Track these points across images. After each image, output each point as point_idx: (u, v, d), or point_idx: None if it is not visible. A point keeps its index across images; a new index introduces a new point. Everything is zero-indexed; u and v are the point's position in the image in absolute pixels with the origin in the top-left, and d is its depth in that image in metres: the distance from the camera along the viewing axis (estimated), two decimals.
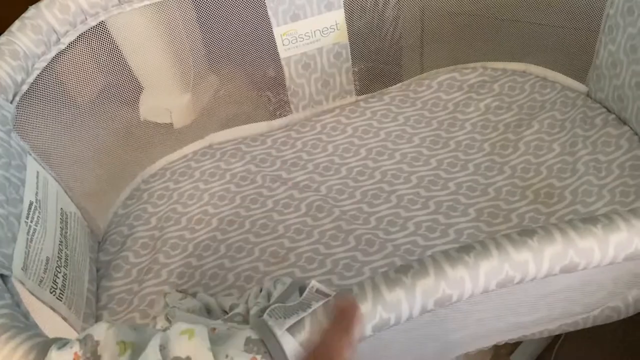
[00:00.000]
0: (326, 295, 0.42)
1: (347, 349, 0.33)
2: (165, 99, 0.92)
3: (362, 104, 0.89)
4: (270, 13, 0.77)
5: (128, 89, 0.81)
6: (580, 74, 0.84)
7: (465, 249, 0.43)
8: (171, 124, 0.91)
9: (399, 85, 0.91)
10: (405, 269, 0.43)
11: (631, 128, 0.76)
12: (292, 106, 0.88)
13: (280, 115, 0.89)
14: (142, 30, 0.79)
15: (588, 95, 0.83)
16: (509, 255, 0.42)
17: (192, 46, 0.86)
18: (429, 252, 0.68)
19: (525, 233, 0.43)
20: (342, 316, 0.35)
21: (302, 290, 0.61)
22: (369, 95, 0.90)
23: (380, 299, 0.41)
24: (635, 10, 0.68)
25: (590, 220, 0.43)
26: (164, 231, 0.77)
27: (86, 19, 0.70)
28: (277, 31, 0.79)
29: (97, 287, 0.71)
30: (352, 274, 0.68)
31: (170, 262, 0.73)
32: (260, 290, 0.62)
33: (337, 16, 0.80)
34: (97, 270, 0.73)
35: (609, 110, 0.80)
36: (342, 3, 0.79)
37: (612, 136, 0.76)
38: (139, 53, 0.80)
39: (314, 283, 0.44)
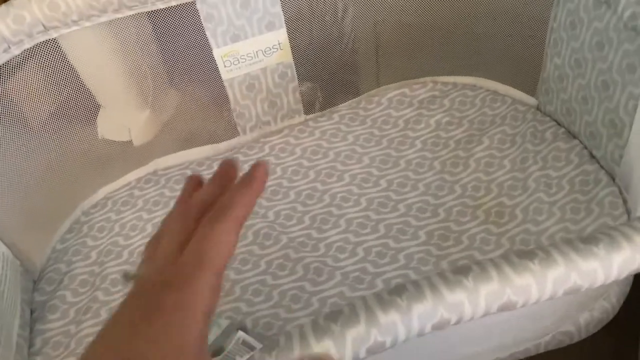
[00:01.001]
0: (252, 348, 0.40)
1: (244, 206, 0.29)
2: (123, 116, 0.88)
3: (311, 123, 0.86)
4: (208, 34, 0.74)
5: (82, 108, 0.77)
6: (530, 87, 0.83)
7: (397, 291, 0.40)
8: (111, 150, 0.87)
9: (348, 103, 0.88)
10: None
11: (581, 142, 0.75)
12: (239, 128, 0.85)
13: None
14: (96, 47, 0.75)
15: (538, 108, 0.82)
16: (444, 298, 0.40)
17: (150, 61, 0.83)
18: (378, 280, 0.66)
19: (460, 271, 0.41)
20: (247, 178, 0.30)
21: (243, 330, 0.58)
22: (319, 114, 0.88)
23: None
24: (577, 25, 0.67)
25: (527, 254, 0.41)
26: (104, 266, 0.73)
27: (35, 34, 0.65)
28: (217, 53, 0.76)
29: (30, 331, 0.67)
30: (300, 306, 0.65)
31: (110, 299, 0.69)
32: None
33: (279, 36, 0.77)
34: (32, 312, 0.69)
35: (558, 124, 0.79)
36: (283, 22, 0.76)
37: (562, 150, 0.75)
38: (94, 70, 0.77)
39: (240, 334, 0.41)
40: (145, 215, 0.78)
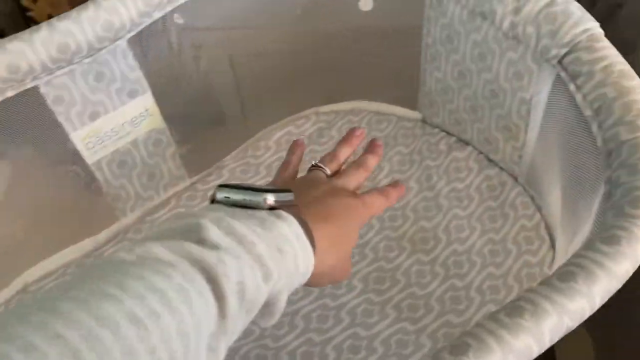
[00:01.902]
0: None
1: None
2: None
3: (199, 186, 0.77)
4: (61, 119, 0.62)
5: None
6: (410, 102, 0.82)
7: None
8: None
9: (234, 154, 0.81)
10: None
11: (475, 148, 0.76)
12: (117, 212, 0.73)
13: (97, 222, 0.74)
14: None
15: (424, 121, 0.82)
16: None
17: None
18: (328, 348, 0.60)
19: (458, 349, 0.37)
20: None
21: None
22: (205, 173, 0.79)
23: None
24: (455, 38, 0.67)
25: (515, 311, 0.38)
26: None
27: None
28: (76, 136, 0.64)
29: None
30: None
31: None
32: None
33: (145, 101, 0.67)
34: None
35: (448, 133, 0.79)
36: (147, 86, 0.67)
37: (460, 160, 0.76)
38: None
39: None
40: None
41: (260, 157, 0.80)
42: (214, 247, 0.34)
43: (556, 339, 0.39)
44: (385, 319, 0.62)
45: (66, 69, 0.59)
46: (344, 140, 0.56)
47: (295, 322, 0.63)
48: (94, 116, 0.64)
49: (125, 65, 0.63)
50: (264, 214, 0.38)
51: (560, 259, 0.59)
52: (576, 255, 0.41)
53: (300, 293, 0.65)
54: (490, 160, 0.74)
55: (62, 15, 0.56)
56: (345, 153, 0.54)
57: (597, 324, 0.48)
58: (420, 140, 0.79)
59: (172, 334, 0.29)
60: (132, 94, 0.66)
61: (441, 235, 0.69)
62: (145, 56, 0.66)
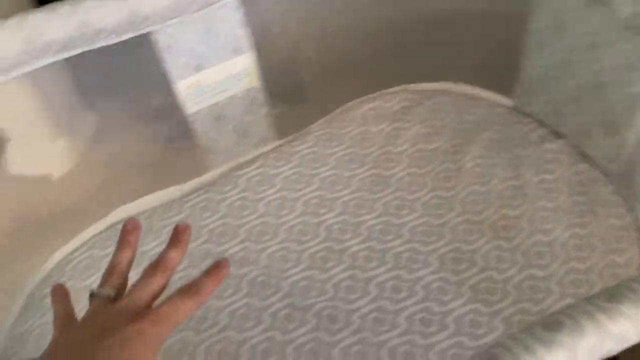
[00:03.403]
0: None
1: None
2: (36, 148, 0.77)
3: (285, 149, 0.79)
4: (169, 67, 0.65)
5: None
6: (505, 88, 0.81)
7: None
8: (62, 204, 0.75)
9: (321, 121, 0.82)
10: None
11: (569, 141, 0.74)
12: (207, 163, 0.76)
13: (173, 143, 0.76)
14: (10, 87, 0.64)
15: (516, 109, 0.80)
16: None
17: (62, 85, 0.72)
18: (400, 318, 0.61)
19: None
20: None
21: None
22: (291, 137, 0.81)
23: None
24: (566, 25, 0.65)
25: (616, 296, 0.38)
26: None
27: None
28: (181, 85, 0.67)
29: None
30: None
31: None
32: None
33: (247, 59, 0.69)
34: None
35: (541, 124, 0.77)
36: (250, 45, 0.69)
37: (552, 152, 0.74)
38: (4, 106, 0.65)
39: None
40: None
41: (345, 128, 0.81)
42: None
43: None
44: (460, 298, 0.62)
45: (179, 19, 0.62)
46: (119, 243, 0.43)
47: (369, 288, 0.64)
48: (198, 68, 0.67)
49: (235, 21, 0.65)
50: None
51: None
52: None
53: (374, 262, 0.66)
54: (583, 154, 0.72)
55: None
56: (124, 257, 0.42)
57: None
58: (512, 128, 0.77)
59: None
60: (237, 51, 0.68)
61: (524, 225, 0.67)
62: (252, 16, 0.68)
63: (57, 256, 0.72)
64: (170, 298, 0.38)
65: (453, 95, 0.84)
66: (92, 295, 0.39)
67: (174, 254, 0.41)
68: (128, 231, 0.43)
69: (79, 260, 0.71)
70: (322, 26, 0.78)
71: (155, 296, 0.39)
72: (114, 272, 0.41)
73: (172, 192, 0.77)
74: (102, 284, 0.40)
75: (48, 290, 0.68)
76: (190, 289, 0.39)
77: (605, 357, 0.37)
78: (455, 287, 0.63)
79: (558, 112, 0.73)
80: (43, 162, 0.76)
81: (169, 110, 0.71)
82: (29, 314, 0.66)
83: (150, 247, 0.70)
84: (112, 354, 0.34)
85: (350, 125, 0.82)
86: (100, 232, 0.73)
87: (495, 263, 0.64)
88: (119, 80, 0.72)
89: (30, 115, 0.74)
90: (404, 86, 0.86)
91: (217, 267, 0.41)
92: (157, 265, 0.40)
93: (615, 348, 0.37)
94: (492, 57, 0.79)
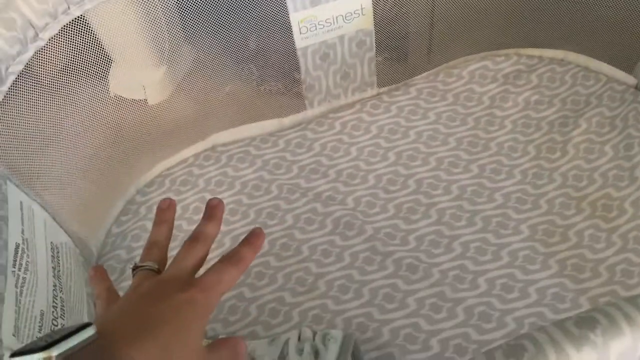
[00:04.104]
0: None
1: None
2: (138, 73, 0.80)
3: (385, 97, 0.79)
4: None
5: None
6: (627, 64, 0.75)
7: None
8: (165, 122, 0.79)
9: (425, 75, 0.81)
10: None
11: None
12: (306, 101, 0.77)
13: (268, 90, 0.77)
14: (117, 11, 0.67)
15: (637, 88, 0.75)
16: None
17: (167, 15, 0.74)
18: (481, 279, 0.60)
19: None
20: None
21: (356, 352, 0.53)
22: (393, 87, 0.80)
23: None
24: None
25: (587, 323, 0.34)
26: (169, 253, 0.66)
27: (69, 7, 0.57)
28: (294, 18, 0.67)
29: None
30: (395, 306, 0.59)
31: None
32: (299, 338, 0.53)
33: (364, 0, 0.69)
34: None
35: None
36: None
37: None
38: (111, 29, 0.68)
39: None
40: (208, 196, 0.71)
41: (450, 84, 0.79)
42: None
43: None
44: (547, 269, 0.60)
45: None
46: (156, 220, 0.44)
47: (453, 246, 0.63)
48: (315, 2, 0.67)
49: None
50: None
51: None
52: None
53: (462, 221, 0.65)
54: None
55: None
56: (162, 233, 0.43)
57: None
58: (629, 107, 0.72)
59: None
60: None
61: (628, 207, 0.64)
62: None
63: (157, 169, 0.76)
64: (214, 267, 0.39)
65: (570, 66, 0.80)
66: (135, 269, 0.40)
67: (210, 228, 0.42)
68: (163, 209, 0.44)
69: (178, 175, 0.74)
70: None
71: (197, 267, 0.40)
72: (154, 247, 0.42)
73: (270, 124, 0.78)
74: (143, 258, 0.41)
75: (145, 198, 0.73)
76: (232, 258, 0.39)
77: None
78: (543, 258, 0.61)
79: None
80: (141, 88, 0.79)
81: (280, 42, 0.71)
82: (126, 218, 0.71)
83: (244, 173, 0.73)
84: (166, 319, 0.34)
85: (456, 82, 0.80)
86: (199, 153, 0.77)
87: (589, 241, 0.62)
88: (228, 12, 0.73)
89: (133, 39, 0.77)
90: (517, 49, 0.82)
91: (254, 235, 0.42)
92: (195, 238, 0.41)
93: None
94: (617, 30, 0.73)
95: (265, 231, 0.67)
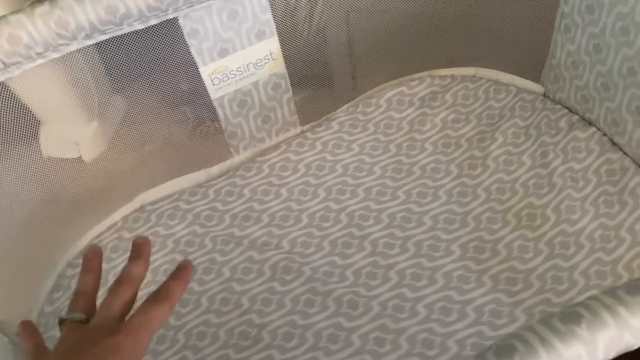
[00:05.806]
0: None
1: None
2: (69, 131, 0.79)
3: (309, 135, 0.79)
4: (193, 52, 0.65)
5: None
6: (533, 74, 0.79)
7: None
8: (99, 179, 0.77)
9: (345, 107, 0.82)
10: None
11: (598, 129, 0.72)
12: (231, 149, 0.77)
13: (203, 132, 0.77)
14: (40, 76, 0.65)
15: (545, 95, 0.78)
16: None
17: (92, 70, 0.73)
18: (419, 306, 0.61)
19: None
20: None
21: None
22: (315, 123, 0.81)
23: None
24: (596, 9, 0.63)
25: (571, 317, 0.35)
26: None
27: None
28: (205, 71, 0.67)
29: None
30: (340, 346, 0.59)
31: None
32: None
33: (271, 45, 0.70)
34: None
35: (570, 111, 0.75)
36: (274, 30, 0.69)
37: (581, 140, 0.72)
38: (35, 93, 0.67)
39: None
40: None
41: (369, 114, 0.81)
42: None
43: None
44: (481, 287, 0.61)
45: (205, 4, 0.62)
46: (82, 269, 0.44)
47: (389, 275, 0.64)
48: (223, 53, 0.67)
49: (258, 5, 0.65)
50: None
51: None
52: None
53: (395, 249, 0.66)
54: (614, 143, 0.70)
55: None
56: (89, 282, 0.43)
57: None
58: (540, 115, 0.76)
59: None
60: (260, 36, 0.68)
61: (550, 214, 0.66)
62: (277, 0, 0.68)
63: (88, 236, 0.74)
64: (141, 307, 0.38)
65: (482, 81, 0.83)
66: (62, 322, 0.40)
67: (136, 268, 0.42)
68: (89, 258, 0.44)
69: (108, 241, 0.73)
70: (346, 12, 0.77)
71: (126, 310, 0.39)
72: (81, 297, 0.41)
73: (198, 175, 0.78)
74: (70, 309, 0.40)
75: (75, 271, 0.70)
76: (159, 295, 0.39)
77: (624, 352, 0.36)
78: (477, 276, 0.62)
79: (587, 98, 0.71)
80: (74, 146, 0.78)
81: (195, 95, 0.72)
82: (58, 295, 0.69)
83: (175, 230, 0.72)
84: None
85: (375, 112, 0.81)
86: (127, 215, 0.75)
87: (518, 252, 0.64)
88: (147, 65, 0.73)
89: (61, 99, 0.76)
90: (430, 71, 0.85)
91: (182, 270, 0.42)
92: (120, 281, 0.40)
93: (635, 343, 0.36)
94: (521, 42, 0.77)
95: (203, 287, 0.66)
